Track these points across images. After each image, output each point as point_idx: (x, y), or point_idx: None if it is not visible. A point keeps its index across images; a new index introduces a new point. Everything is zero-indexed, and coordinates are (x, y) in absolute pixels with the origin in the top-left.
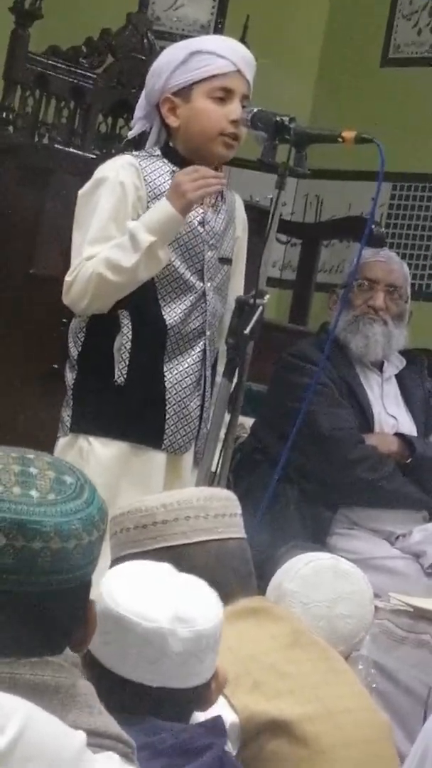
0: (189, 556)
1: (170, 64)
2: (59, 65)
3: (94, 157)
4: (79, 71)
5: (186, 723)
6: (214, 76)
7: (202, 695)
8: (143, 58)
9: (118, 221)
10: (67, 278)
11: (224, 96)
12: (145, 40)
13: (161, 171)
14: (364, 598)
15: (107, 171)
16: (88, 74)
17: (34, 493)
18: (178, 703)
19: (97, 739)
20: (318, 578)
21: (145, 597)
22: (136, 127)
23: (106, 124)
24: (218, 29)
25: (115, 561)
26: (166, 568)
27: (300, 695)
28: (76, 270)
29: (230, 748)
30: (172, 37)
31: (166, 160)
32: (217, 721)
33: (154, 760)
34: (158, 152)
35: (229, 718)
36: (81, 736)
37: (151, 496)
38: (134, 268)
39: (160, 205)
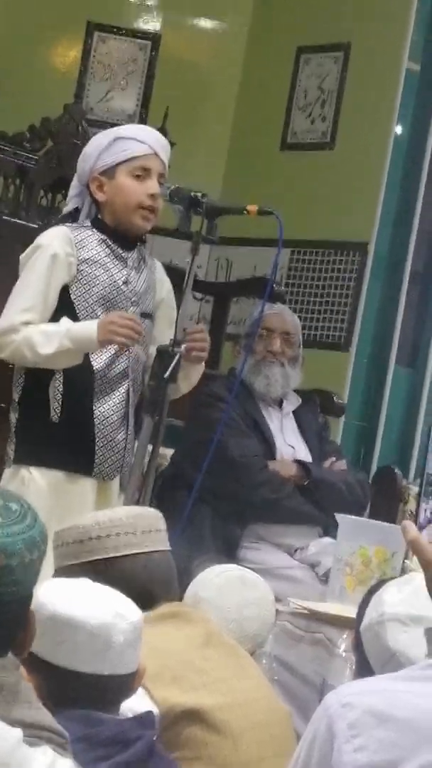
0: (120, 567)
1: (97, 149)
2: (6, 148)
3: (36, 226)
4: (23, 153)
5: (119, 708)
6: (134, 158)
7: (132, 682)
8: (78, 142)
9: (46, 285)
10: None
11: (143, 174)
12: (80, 128)
13: (90, 239)
14: (267, 603)
15: (43, 240)
16: (31, 156)
17: None
18: (120, 689)
19: (36, 731)
20: (228, 587)
21: (83, 600)
22: (71, 204)
23: (47, 198)
24: (143, 118)
25: (57, 571)
26: (86, 581)
27: (212, 688)
28: (4, 330)
29: None
30: (103, 125)
31: (95, 230)
32: (148, 715)
33: (91, 751)
34: (88, 223)
35: (151, 709)
36: (17, 733)
37: (88, 515)
38: (46, 358)
39: (89, 326)
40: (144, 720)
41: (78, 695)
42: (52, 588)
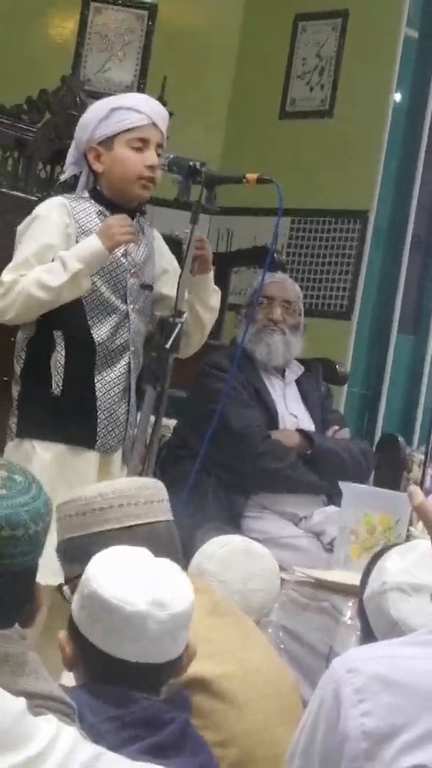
0: (123, 538)
1: (95, 119)
2: (4, 121)
3: (35, 199)
4: (22, 126)
5: (160, 691)
6: (132, 128)
7: (176, 667)
8: (76, 114)
9: (41, 253)
10: None
11: (141, 145)
12: (78, 99)
13: (88, 210)
14: (272, 574)
15: (40, 210)
16: (29, 128)
17: None
18: (155, 675)
19: (42, 701)
20: (232, 559)
21: (126, 582)
22: (68, 172)
23: (46, 170)
24: (141, 89)
25: (60, 542)
26: (144, 553)
27: (218, 657)
28: (4, 287)
29: None
30: (101, 96)
31: (93, 201)
32: (181, 696)
33: (122, 731)
34: (86, 194)
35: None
36: (21, 703)
37: (90, 487)
38: (59, 289)
39: (90, 240)
40: (177, 701)
41: (111, 675)
42: (104, 559)
